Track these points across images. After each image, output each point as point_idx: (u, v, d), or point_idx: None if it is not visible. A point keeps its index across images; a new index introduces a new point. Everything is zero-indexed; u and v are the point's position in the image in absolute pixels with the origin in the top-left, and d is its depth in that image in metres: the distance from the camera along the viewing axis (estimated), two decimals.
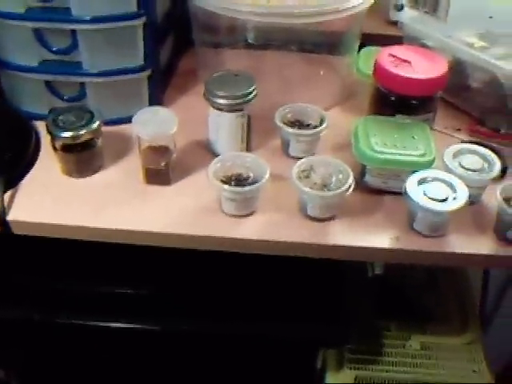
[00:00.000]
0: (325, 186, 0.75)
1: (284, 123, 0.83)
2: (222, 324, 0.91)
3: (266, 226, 0.74)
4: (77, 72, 0.83)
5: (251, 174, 0.75)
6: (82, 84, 0.85)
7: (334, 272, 0.91)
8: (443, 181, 0.74)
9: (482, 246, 0.73)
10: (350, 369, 0.95)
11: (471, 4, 0.94)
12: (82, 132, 0.76)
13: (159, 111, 0.79)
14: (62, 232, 0.74)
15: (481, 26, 0.94)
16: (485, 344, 1.01)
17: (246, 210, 0.74)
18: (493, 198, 0.75)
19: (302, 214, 0.75)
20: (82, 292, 0.91)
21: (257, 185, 0.72)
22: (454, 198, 0.71)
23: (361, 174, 0.79)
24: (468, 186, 0.73)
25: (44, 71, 0.84)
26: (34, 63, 0.83)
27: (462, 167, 0.77)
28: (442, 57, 0.86)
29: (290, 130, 0.82)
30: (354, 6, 0.83)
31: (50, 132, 0.76)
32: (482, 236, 0.74)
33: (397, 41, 0.94)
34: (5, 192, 0.75)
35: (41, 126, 0.83)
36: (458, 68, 0.91)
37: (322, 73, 0.99)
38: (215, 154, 0.80)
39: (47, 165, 0.80)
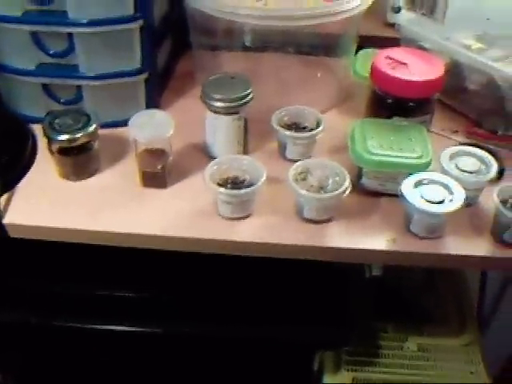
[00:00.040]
0: (321, 188, 0.75)
1: (281, 126, 0.83)
2: (220, 326, 0.91)
3: (263, 229, 0.74)
4: (73, 75, 0.83)
5: (248, 177, 0.75)
6: (79, 87, 0.85)
7: (332, 274, 0.91)
8: (440, 183, 0.74)
9: (479, 247, 0.73)
10: (348, 370, 0.95)
11: (468, 6, 0.94)
12: (79, 135, 0.76)
13: (155, 114, 0.79)
14: (58, 235, 0.74)
15: (478, 27, 0.94)
16: (483, 346, 1.01)
17: (242, 212, 0.74)
18: (490, 199, 0.75)
19: (298, 216, 0.75)
20: (78, 295, 0.91)
21: (253, 188, 0.72)
22: (451, 200, 0.71)
23: (357, 176, 0.79)
24: (465, 187, 0.73)
25: (41, 74, 0.84)
26: (31, 66, 0.83)
27: (459, 169, 0.77)
28: (439, 59, 0.86)
29: (287, 132, 0.82)
30: (350, 9, 0.83)
31: (46, 135, 0.76)
32: (478, 238, 0.74)
33: (394, 43, 0.94)
34: (1, 195, 0.75)
35: (38, 129, 0.83)
36: (455, 70, 0.91)
37: (319, 75, 0.99)
38: (212, 157, 0.80)
39: (44, 168, 0.80)
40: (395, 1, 1.05)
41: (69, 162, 0.78)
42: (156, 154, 0.78)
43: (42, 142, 0.82)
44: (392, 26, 1.04)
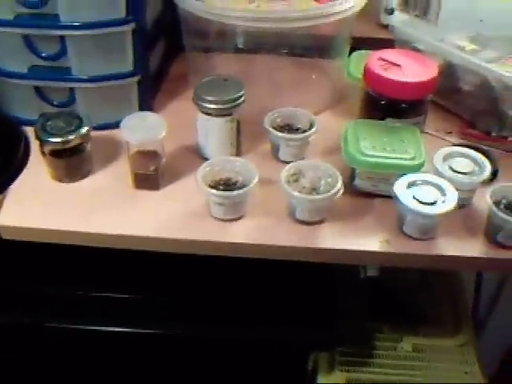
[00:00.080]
0: (314, 189, 0.75)
1: (273, 127, 0.83)
2: (214, 328, 0.91)
3: (255, 230, 0.74)
4: (66, 78, 0.83)
5: (240, 179, 0.75)
6: (72, 89, 0.85)
7: (326, 275, 0.91)
8: (433, 184, 0.73)
9: (472, 249, 0.73)
10: (342, 371, 0.94)
11: (461, 7, 0.94)
12: (71, 137, 0.76)
13: (147, 116, 0.79)
14: (51, 237, 0.74)
15: (471, 29, 0.94)
16: (478, 346, 1.00)
17: (234, 214, 0.74)
18: (483, 200, 0.75)
19: (291, 217, 0.75)
20: (71, 296, 0.91)
21: (245, 189, 0.72)
22: (444, 201, 0.71)
23: (351, 177, 0.78)
24: (458, 189, 0.73)
25: (33, 77, 0.84)
26: (24, 69, 0.83)
27: (452, 170, 0.77)
28: (432, 60, 0.86)
29: (280, 134, 0.82)
30: (343, 11, 0.83)
31: (38, 137, 0.76)
32: (472, 239, 0.74)
33: (388, 44, 0.94)
34: None
35: (30, 132, 0.83)
36: (449, 71, 0.91)
37: (314, 77, 0.99)
38: (205, 159, 0.80)
39: (36, 170, 0.80)
40: (388, 2, 1.06)
41: (61, 164, 0.78)
42: (148, 155, 0.78)
43: (34, 145, 0.82)
44: (386, 27, 1.04)
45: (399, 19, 0.99)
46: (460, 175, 0.76)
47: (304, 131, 0.83)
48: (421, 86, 0.82)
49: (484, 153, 0.81)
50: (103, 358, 0.98)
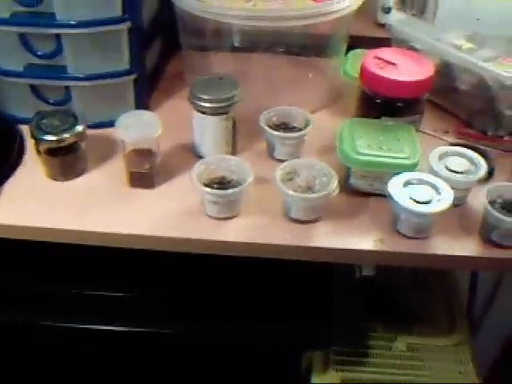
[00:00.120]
0: (309, 188, 0.75)
1: (269, 126, 0.82)
2: (208, 326, 0.91)
3: (250, 229, 0.74)
4: (62, 76, 0.83)
5: (235, 177, 0.75)
6: (68, 88, 0.85)
7: (321, 274, 0.91)
8: (427, 183, 0.73)
9: (467, 248, 0.73)
10: (336, 370, 0.94)
11: (458, 6, 0.94)
12: (66, 136, 0.76)
13: (143, 115, 0.79)
14: (45, 235, 0.74)
15: (468, 28, 0.94)
16: (473, 346, 1.00)
17: (229, 212, 0.74)
18: (478, 199, 0.75)
19: (286, 216, 0.75)
20: (66, 295, 0.91)
21: (239, 188, 0.72)
22: (438, 200, 0.71)
23: (346, 176, 0.78)
24: (453, 187, 0.73)
25: (29, 75, 0.84)
26: (20, 68, 0.83)
27: (448, 169, 0.77)
28: (428, 59, 0.86)
29: (275, 132, 0.82)
30: (339, 10, 0.83)
31: (33, 136, 0.76)
32: (466, 238, 0.74)
33: (385, 43, 0.94)
34: None
35: (26, 130, 0.83)
36: (445, 70, 0.91)
37: (310, 75, 0.99)
38: (200, 158, 0.80)
39: (31, 168, 0.80)
40: (385, 1, 1.06)
41: (56, 162, 0.78)
42: (143, 154, 0.78)
43: (30, 143, 0.82)
44: (383, 26, 1.04)
45: (396, 18, 0.98)
46: (455, 174, 0.76)
47: (300, 130, 0.83)
48: (416, 84, 0.82)
49: (480, 152, 0.80)
50: (97, 357, 0.98)
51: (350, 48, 0.97)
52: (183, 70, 0.99)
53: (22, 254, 0.88)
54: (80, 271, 0.91)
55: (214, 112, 0.78)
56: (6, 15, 0.79)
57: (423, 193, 0.72)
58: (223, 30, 0.91)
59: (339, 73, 0.94)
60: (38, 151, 0.78)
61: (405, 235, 0.73)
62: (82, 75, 0.83)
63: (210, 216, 0.74)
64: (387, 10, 1.03)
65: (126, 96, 0.88)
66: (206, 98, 0.78)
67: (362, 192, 0.79)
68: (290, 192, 0.71)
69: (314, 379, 0.94)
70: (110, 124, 0.82)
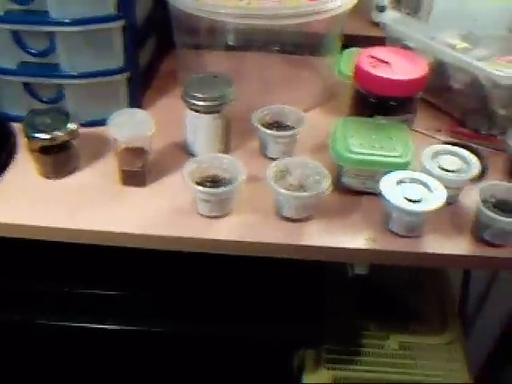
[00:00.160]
0: (301, 187, 0.75)
1: (262, 125, 0.82)
2: (199, 325, 0.91)
3: (242, 227, 0.74)
4: (55, 74, 0.83)
5: (227, 176, 0.75)
6: (61, 86, 0.85)
7: (314, 272, 0.91)
8: (419, 181, 0.73)
9: (459, 246, 0.73)
10: (328, 369, 0.94)
11: (453, 6, 0.94)
12: (58, 134, 0.76)
13: (135, 113, 0.80)
14: (37, 233, 0.74)
15: (463, 27, 0.94)
16: (465, 344, 1.00)
17: (221, 211, 0.74)
18: (471, 198, 0.75)
19: (277, 215, 0.75)
20: (59, 293, 0.91)
21: (231, 186, 0.72)
22: (430, 199, 0.71)
23: (338, 174, 0.78)
24: (446, 186, 0.73)
25: (22, 73, 0.84)
26: (13, 65, 0.83)
27: (440, 168, 0.76)
28: (422, 58, 0.86)
29: (268, 131, 0.82)
30: (334, 8, 0.83)
31: (25, 134, 0.76)
32: (458, 237, 0.74)
33: (380, 42, 0.94)
34: None
35: (19, 128, 0.83)
36: (439, 69, 0.91)
37: (306, 74, 0.99)
38: (193, 156, 0.80)
39: (24, 166, 0.80)
40: (380, 0, 1.05)
41: (48, 160, 0.78)
42: (136, 152, 0.78)
43: (22, 141, 0.82)
44: (377, 25, 1.04)
45: (391, 17, 0.99)
46: (447, 173, 0.76)
47: (293, 128, 0.83)
48: (410, 83, 0.82)
49: (473, 151, 0.80)
50: (89, 355, 0.98)
51: (344, 47, 0.97)
52: (177, 68, 0.99)
53: (14, 253, 0.88)
54: (72, 270, 0.91)
55: (207, 110, 0.78)
56: (0, 13, 0.79)
57: (415, 191, 0.72)
58: (217, 29, 0.91)
59: (333, 72, 0.94)
60: (31, 149, 0.78)
61: (397, 234, 0.73)
62: (75, 73, 0.83)
63: (201, 214, 0.74)
64: (382, 9, 1.03)
65: (119, 94, 0.88)
66: (198, 96, 0.78)
67: (354, 191, 0.79)
68: (282, 190, 0.71)
69: (306, 378, 0.94)
70: (103, 122, 0.82)
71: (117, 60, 0.84)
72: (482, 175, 0.81)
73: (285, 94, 0.90)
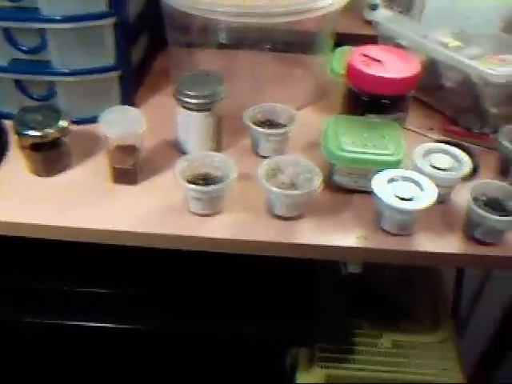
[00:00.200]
0: (293, 185, 0.75)
1: (254, 123, 0.82)
2: (191, 323, 0.91)
3: (233, 225, 0.73)
4: (46, 71, 0.83)
5: (219, 174, 0.75)
6: (52, 83, 0.84)
7: (307, 271, 0.91)
8: (411, 180, 0.73)
9: (450, 244, 0.73)
10: (321, 367, 0.94)
11: (445, 4, 0.94)
12: (49, 131, 0.76)
13: (126, 110, 0.79)
14: (28, 231, 0.74)
15: (455, 25, 0.94)
16: (458, 343, 1.00)
17: (212, 209, 0.74)
18: (462, 196, 0.75)
19: (269, 213, 0.75)
20: (56, 292, 0.91)
21: (222, 184, 0.72)
22: (422, 197, 0.71)
23: (330, 173, 0.78)
24: (437, 184, 0.73)
25: (13, 70, 0.83)
26: (4, 62, 0.83)
27: (432, 166, 0.77)
28: (414, 56, 0.86)
29: (259, 129, 0.81)
30: (325, 6, 0.83)
31: (16, 131, 0.76)
32: (450, 235, 0.74)
33: (372, 40, 0.94)
34: None
35: (10, 125, 0.83)
36: (431, 67, 0.91)
37: (299, 73, 0.99)
38: (185, 154, 0.80)
39: (14, 164, 0.80)
40: None
41: (39, 158, 0.78)
42: (127, 150, 0.77)
43: (13, 138, 0.81)
44: (370, 23, 1.04)
45: (383, 15, 0.98)
46: (439, 171, 0.76)
47: (285, 126, 0.83)
48: (402, 81, 0.82)
49: (464, 149, 0.81)
50: (86, 354, 0.98)
51: (337, 45, 0.97)
52: (170, 66, 0.99)
53: (8, 251, 0.88)
54: (68, 268, 0.92)
55: (199, 108, 0.78)
56: None
57: (407, 190, 0.72)
58: (209, 27, 0.91)
59: (325, 70, 0.94)
60: (21, 146, 0.77)
61: (388, 232, 0.73)
62: (66, 70, 0.83)
63: (193, 213, 0.74)
64: (374, 7, 1.03)
65: (111, 92, 0.87)
66: (190, 94, 0.77)
67: (346, 189, 0.79)
68: (273, 189, 0.71)
69: (299, 376, 0.94)
70: (95, 120, 0.81)
71: (108, 57, 0.84)
72: (473, 174, 0.81)
73: (277, 93, 0.89)
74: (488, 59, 0.88)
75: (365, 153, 0.75)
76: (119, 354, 0.98)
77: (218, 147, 0.84)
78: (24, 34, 0.81)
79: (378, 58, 0.84)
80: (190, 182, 0.73)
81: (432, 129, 0.91)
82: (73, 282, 0.92)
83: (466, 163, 0.77)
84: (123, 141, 0.77)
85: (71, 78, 0.84)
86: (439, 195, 0.72)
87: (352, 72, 0.84)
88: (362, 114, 0.83)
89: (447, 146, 0.80)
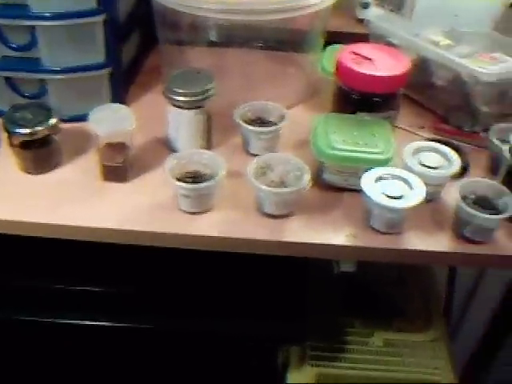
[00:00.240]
0: (282, 183, 0.75)
1: (244, 121, 0.82)
2: (182, 321, 0.91)
3: (222, 223, 0.73)
4: (36, 69, 0.83)
5: (208, 171, 0.75)
6: (43, 81, 0.84)
7: (298, 269, 0.91)
8: (400, 178, 0.73)
9: (440, 243, 0.73)
10: (312, 365, 0.95)
11: (436, 2, 0.94)
12: (39, 129, 0.76)
13: (115, 108, 0.79)
14: (18, 229, 0.74)
15: (446, 24, 0.94)
16: (452, 342, 1.01)
17: (201, 207, 0.74)
18: (452, 195, 0.75)
19: (259, 211, 0.75)
20: (51, 290, 0.90)
21: (210, 181, 0.72)
22: (411, 196, 0.71)
23: (320, 171, 0.78)
24: (426, 183, 0.73)
25: (4, 68, 0.83)
26: None
27: (421, 164, 0.77)
28: (404, 54, 0.86)
29: (249, 127, 0.81)
30: (315, 4, 0.83)
31: (6, 128, 0.76)
32: (439, 233, 0.74)
33: (364, 39, 0.94)
34: None
35: (0, 123, 0.82)
36: (422, 66, 0.91)
37: (292, 71, 0.99)
38: (176, 152, 0.80)
39: (4, 161, 0.80)
40: None
41: (29, 155, 0.78)
42: (117, 148, 0.77)
43: (3, 136, 0.81)
44: (361, 21, 1.04)
45: (374, 13, 0.99)
46: (428, 169, 0.76)
47: (275, 124, 0.83)
48: (391, 79, 0.82)
49: (455, 148, 0.81)
50: (81, 352, 0.98)
51: (329, 44, 0.97)
52: (161, 64, 0.99)
53: (2, 249, 0.88)
54: (63, 266, 0.91)
55: (188, 106, 0.78)
56: None
57: (396, 188, 0.72)
58: (200, 25, 0.91)
59: (317, 68, 0.94)
60: (11, 144, 0.77)
61: (378, 230, 0.73)
62: (56, 68, 0.83)
63: (183, 210, 0.74)
64: (365, 6, 1.03)
65: (102, 89, 0.87)
66: (179, 91, 0.77)
67: (335, 187, 0.79)
68: (262, 186, 0.71)
69: (290, 374, 0.94)
70: (86, 118, 0.81)
71: (99, 55, 0.84)
72: (463, 172, 0.81)
73: (268, 91, 0.89)
74: (478, 58, 0.88)
75: (353, 151, 0.75)
76: (113, 352, 0.98)
77: (209, 145, 0.83)
78: (14, 32, 0.81)
79: (368, 56, 0.84)
80: (179, 179, 0.73)
81: (423, 127, 0.91)
82: (67, 280, 0.92)
83: (456, 162, 0.77)
84: (112, 138, 0.77)
85: (61, 76, 0.84)
86: (429, 194, 0.72)
87: (342, 70, 0.84)
88: (353, 113, 0.83)
89: (437, 145, 0.80)
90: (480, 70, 0.84)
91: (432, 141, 0.82)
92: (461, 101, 0.89)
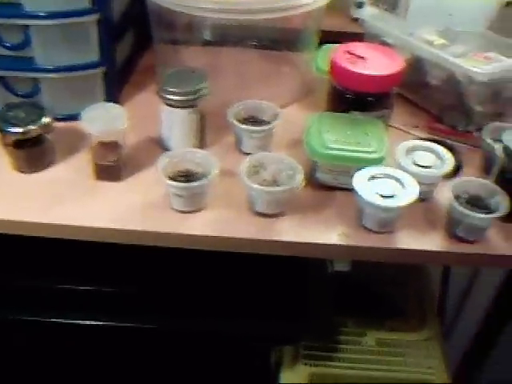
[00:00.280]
0: (275, 182, 0.75)
1: (238, 120, 0.82)
2: (178, 320, 0.91)
3: (215, 222, 0.73)
4: (30, 68, 0.83)
5: (200, 170, 0.75)
6: (36, 80, 0.84)
7: (292, 269, 0.91)
8: (392, 177, 0.73)
9: (432, 242, 0.73)
10: (305, 365, 0.95)
11: (430, 2, 0.94)
12: (32, 128, 0.75)
13: (108, 107, 0.79)
14: (11, 228, 0.74)
15: (441, 23, 0.94)
16: (448, 342, 1.01)
17: (194, 206, 0.74)
18: (445, 194, 0.75)
19: (251, 210, 0.75)
20: (51, 290, 0.91)
21: (203, 181, 0.72)
22: (403, 195, 0.71)
23: (313, 170, 0.78)
24: (419, 182, 0.73)
25: None
26: None
27: (415, 164, 0.77)
28: (398, 54, 0.86)
29: (242, 126, 0.81)
30: (309, 3, 0.83)
31: None
32: (432, 232, 0.74)
33: (358, 38, 0.94)
34: None
35: None
36: (417, 65, 0.91)
37: (286, 70, 0.99)
38: (169, 151, 0.80)
39: None
40: None
41: (22, 154, 0.78)
42: (109, 146, 0.77)
43: None
44: (356, 21, 1.04)
45: (369, 13, 0.98)
46: (421, 168, 0.76)
47: (268, 123, 0.83)
48: (384, 79, 0.82)
49: (448, 147, 0.81)
50: (82, 352, 0.98)
51: (323, 43, 0.97)
52: (155, 63, 0.99)
53: (1, 249, 0.88)
54: (63, 266, 0.91)
55: (182, 105, 0.78)
56: None
57: (388, 187, 0.72)
58: (194, 24, 0.91)
59: (311, 67, 0.94)
60: (4, 143, 0.77)
61: (370, 229, 0.73)
62: (50, 67, 0.83)
63: (175, 209, 0.74)
64: (360, 5, 1.03)
65: (96, 89, 0.87)
66: (173, 90, 0.77)
67: (328, 186, 0.79)
68: (254, 185, 0.71)
69: (283, 374, 0.94)
70: (79, 117, 0.82)
71: (93, 54, 0.84)
72: (457, 171, 0.81)
73: (262, 90, 0.90)
74: (473, 57, 0.88)
75: (347, 150, 0.75)
76: (114, 352, 0.98)
77: (202, 144, 0.83)
78: (7, 31, 0.80)
79: (362, 55, 0.84)
80: (171, 178, 0.73)
81: (417, 126, 0.91)
82: (70, 280, 0.92)
83: (449, 161, 0.77)
84: (105, 137, 0.77)
85: (55, 75, 0.84)
86: (421, 193, 0.72)
87: (336, 69, 0.84)
88: (347, 111, 0.83)
89: (430, 144, 0.80)
90: (474, 69, 0.84)
91: (426, 140, 0.82)
92: (455, 100, 0.89)
